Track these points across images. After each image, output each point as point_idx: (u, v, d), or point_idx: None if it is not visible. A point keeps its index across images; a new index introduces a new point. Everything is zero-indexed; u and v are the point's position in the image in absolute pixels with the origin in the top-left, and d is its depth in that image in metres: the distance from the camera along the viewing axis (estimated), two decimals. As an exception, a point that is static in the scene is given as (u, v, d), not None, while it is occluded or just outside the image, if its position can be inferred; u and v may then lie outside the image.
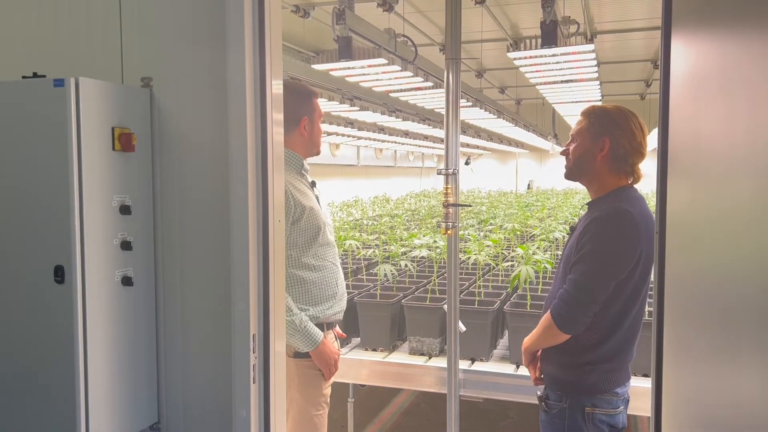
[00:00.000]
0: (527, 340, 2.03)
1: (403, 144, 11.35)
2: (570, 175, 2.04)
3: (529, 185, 17.00)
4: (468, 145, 13.35)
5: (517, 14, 5.91)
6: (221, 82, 1.74)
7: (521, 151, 16.82)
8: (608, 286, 1.84)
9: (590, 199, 2.03)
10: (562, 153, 2.06)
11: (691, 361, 1.23)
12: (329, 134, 8.04)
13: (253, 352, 1.75)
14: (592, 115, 1.99)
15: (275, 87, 1.76)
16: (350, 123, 7.26)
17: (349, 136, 8.51)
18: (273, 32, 1.75)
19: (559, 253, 4.14)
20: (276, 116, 1.77)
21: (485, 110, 5.83)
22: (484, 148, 15.51)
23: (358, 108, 5.48)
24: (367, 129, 8.10)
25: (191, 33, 1.80)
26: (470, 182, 15.44)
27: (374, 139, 9.58)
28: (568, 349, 1.91)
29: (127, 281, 1.75)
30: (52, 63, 1.89)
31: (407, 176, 17.28)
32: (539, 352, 2.04)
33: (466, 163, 16.65)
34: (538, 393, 2.04)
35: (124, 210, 1.74)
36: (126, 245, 1.75)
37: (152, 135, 1.84)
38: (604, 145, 1.93)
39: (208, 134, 1.80)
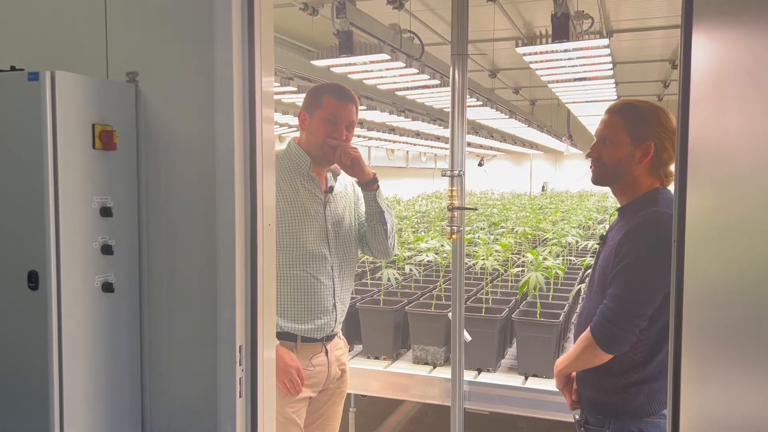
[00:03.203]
0: (562, 362, 1.85)
1: (414, 144, 11.24)
2: (601, 180, 1.84)
3: (543, 187, 16.82)
4: (481, 146, 13.21)
5: (531, 12, 5.78)
6: (211, 77, 1.65)
7: (536, 153, 16.64)
8: (654, 300, 1.67)
9: (619, 205, 1.86)
10: (591, 155, 1.84)
11: (713, 375, 1.16)
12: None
13: (240, 365, 1.65)
14: (629, 112, 1.79)
15: (265, 83, 1.66)
16: (359, 123, 7.16)
17: (358, 136, 8.41)
18: (264, 26, 1.65)
19: (572, 258, 4.00)
20: (266, 113, 1.66)
21: (497, 110, 5.69)
22: (498, 149, 15.35)
23: (365, 107, 5.36)
24: (377, 129, 7.99)
25: (180, 26, 1.70)
26: (484, 184, 15.29)
27: (384, 140, 9.47)
28: (611, 369, 1.73)
29: (107, 287, 1.65)
30: (33, 57, 1.80)
31: (419, 177, 17.16)
32: (574, 374, 1.88)
33: (480, 164, 16.51)
34: (576, 417, 1.88)
35: (105, 212, 1.64)
36: (107, 249, 1.65)
37: (137, 133, 1.74)
38: (648, 150, 1.75)
39: (196, 132, 1.70)
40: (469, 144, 12.38)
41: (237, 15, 1.60)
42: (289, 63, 3.99)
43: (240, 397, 1.65)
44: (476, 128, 9.10)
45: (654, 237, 1.69)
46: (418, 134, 9.41)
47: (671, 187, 1.84)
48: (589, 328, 1.73)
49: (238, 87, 1.61)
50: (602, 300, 1.73)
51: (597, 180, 1.86)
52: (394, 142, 10.17)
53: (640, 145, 1.76)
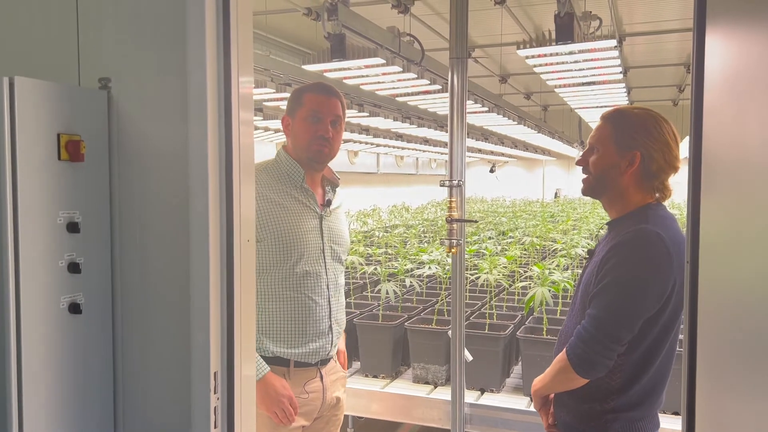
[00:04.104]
0: (538, 382, 1.75)
1: (424, 151, 11.11)
2: (589, 191, 1.75)
3: (556, 194, 16.61)
4: (492, 153, 13.06)
5: (541, 16, 5.65)
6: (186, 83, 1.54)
7: (548, 159, 16.45)
8: (635, 324, 1.56)
9: (609, 219, 1.74)
10: (579, 163, 1.75)
11: (730, 402, 1.10)
12: (345, 141, 7.82)
13: (214, 393, 1.52)
14: (617, 120, 1.69)
15: (243, 84, 1.55)
16: (365, 130, 7.02)
17: (363, 143, 8.28)
18: (241, 23, 1.54)
19: (581, 271, 3.83)
20: (244, 116, 1.55)
21: (504, 116, 5.55)
22: (510, 156, 15.18)
23: (368, 113, 5.23)
24: (383, 136, 7.85)
25: (155, 30, 1.60)
26: (495, 190, 15.12)
27: (392, 146, 9.35)
28: (587, 394, 1.63)
29: (74, 308, 1.53)
30: (2, 62, 1.71)
31: (429, 184, 17.00)
32: (552, 395, 1.77)
33: (491, 171, 16.33)
34: None
35: (72, 228, 1.52)
36: (74, 267, 1.53)
37: (110, 142, 1.63)
38: (633, 160, 1.64)
39: (172, 141, 1.59)
40: (479, 150, 12.28)
41: (211, 11, 1.49)
42: (287, 68, 3.89)
43: (215, 427, 1.53)
44: (486, 134, 8.96)
45: (637, 257, 1.58)
46: (426, 141, 9.28)
47: (680, 201, 1.71)
48: (564, 350, 1.62)
49: (212, 88, 1.50)
50: (582, 320, 1.62)
51: (585, 190, 1.76)
52: (402, 148, 10.05)
53: (626, 154, 1.65)
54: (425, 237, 5.56)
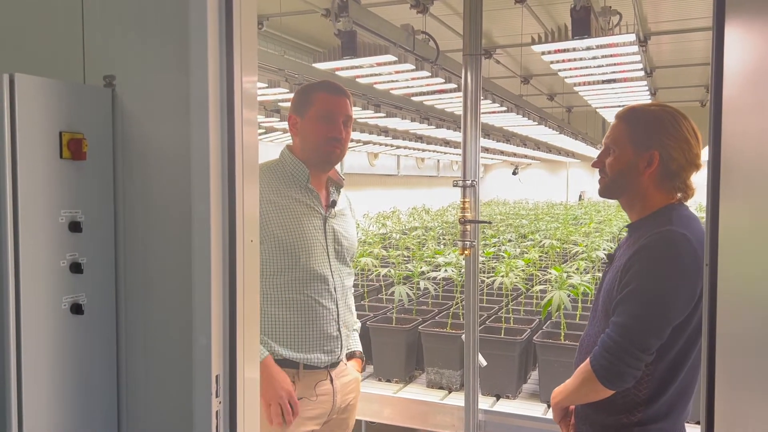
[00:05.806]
0: (559, 394, 1.66)
1: (445, 153, 11.03)
2: (606, 192, 1.68)
3: (580, 196, 16.38)
4: (515, 155, 12.93)
5: (564, 16, 5.55)
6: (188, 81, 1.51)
7: (572, 161, 16.24)
8: (663, 331, 1.48)
9: (629, 222, 1.68)
10: (595, 165, 1.69)
11: (751, 408, 1.08)
12: (364, 143, 7.78)
13: (216, 396, 1.49)
14: (632, 119, 1.63)
15: (247, 83, 1.52)
16: (384, 131, 6.97)
17: (383, 144, 8.23)
18: (244, 21, 1.51)
19: (601, 275, 3.73)
20: (247, 115, 1.52)
21: (524, 116, 5.46)
22: (533, 158, 15.03)
23: (385, 114, 5.18)
24: (402, 137, 7.79)
25: (160, 28, 1.58)
26: (518, 193, 14.97)
27: (411, 148, 9.29)
28: (612, 406, 1.55)
29: (76, 309, 1.51)
30: (8, 62, 1.70)
31: (450, 187, 16.90)
32: (572, 407, 1.69)
33: (514, 173, 16.19)
34: None
35: (74, 227, 1.50)
36: (76, 267, 1.51)
37: (114, 141, 1.61)
38: (652, 160, 1.57)
39: (177, 140, 1.56)
40: (501, 152, 12.17)
41: (213, 9, 1.47)
42: (299, 67, 3.88)
43: (216, 431, 1.50)
44: (508, 136, 8.86)
45: (664, 260, 1.50)
46: (447, 143, 9.20)
47: (699, 201, 1.64)
48: (588, 360, 1.54)
49: (214, 86, 1.47)
50: (605, 328, 1.54)
51: (602, 192, 1.70)
52: (423, 150, 9.99)
53: (643, 154, 1.58)
54: (443, 239, 5.50)
